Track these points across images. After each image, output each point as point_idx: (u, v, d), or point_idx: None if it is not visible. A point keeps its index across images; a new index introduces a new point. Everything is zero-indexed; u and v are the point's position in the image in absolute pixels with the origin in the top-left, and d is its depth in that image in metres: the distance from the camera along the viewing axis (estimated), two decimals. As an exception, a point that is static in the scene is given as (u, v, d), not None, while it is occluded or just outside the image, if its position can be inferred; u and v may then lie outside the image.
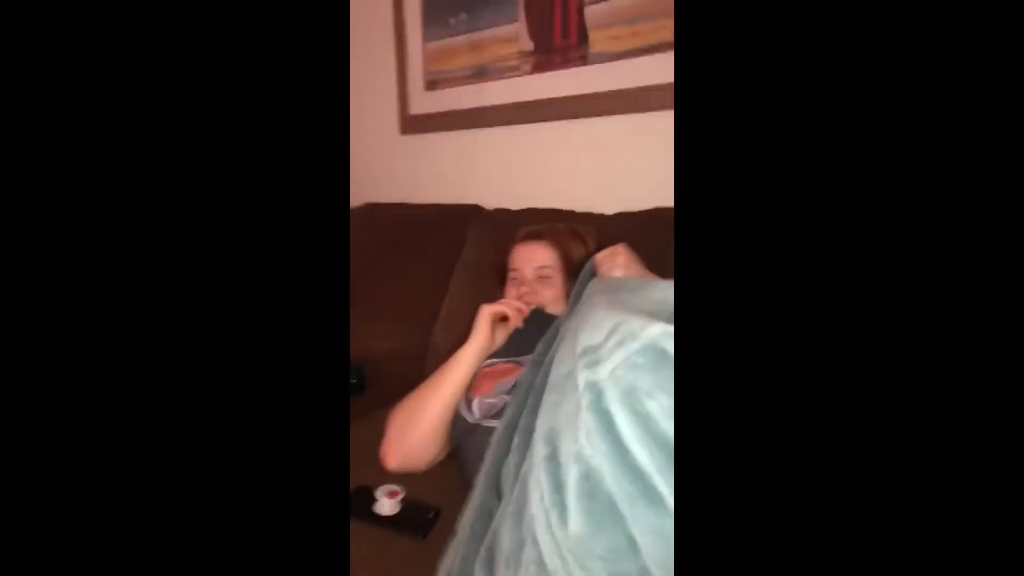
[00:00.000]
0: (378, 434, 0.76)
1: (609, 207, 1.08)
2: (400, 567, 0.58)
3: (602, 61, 1.13)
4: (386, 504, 0.64)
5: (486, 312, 0.77)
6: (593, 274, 0.73)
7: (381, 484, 0.66)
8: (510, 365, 0.75)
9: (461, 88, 1.37)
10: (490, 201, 1.31)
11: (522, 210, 1.19)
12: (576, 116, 1.19)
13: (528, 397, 0.56)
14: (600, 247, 0.92)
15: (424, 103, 1.46)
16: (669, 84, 1.03)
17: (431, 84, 1.43)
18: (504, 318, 0.78)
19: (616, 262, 0.72)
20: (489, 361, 0.77)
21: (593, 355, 0.43)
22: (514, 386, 0.63)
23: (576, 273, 0.86)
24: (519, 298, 0.83)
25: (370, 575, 0.57)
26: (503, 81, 1.29)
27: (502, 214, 1.22)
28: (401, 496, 0.65)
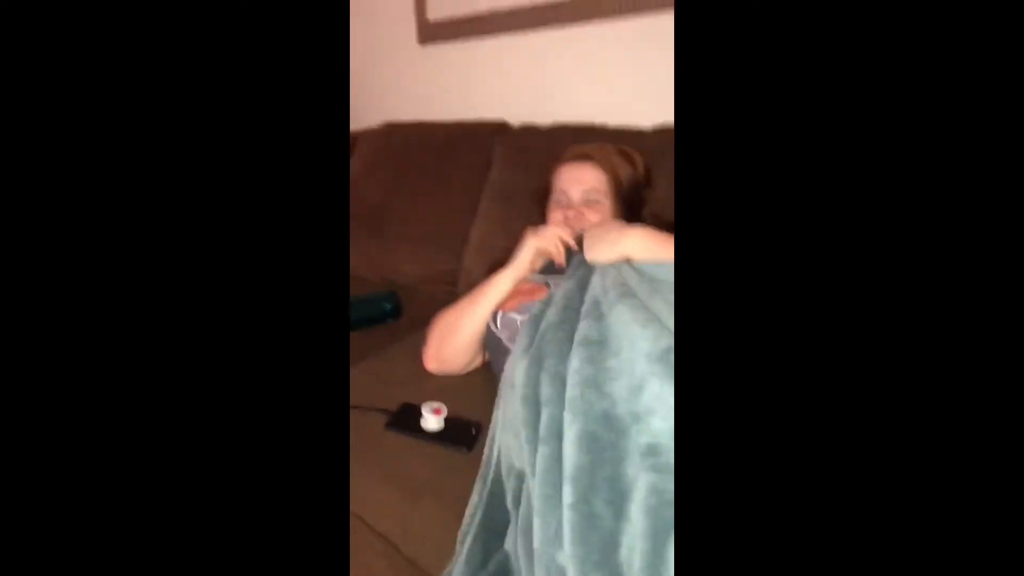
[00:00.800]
0: (415, 357, 0.82)
1: (648, 120, 1.01)
2: (448, 477, 0.61)
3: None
4: (432, 420, 0.66)
5: (532, 245, 0.76)
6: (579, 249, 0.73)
7: (424, 401, 0.69)
8: (536, 285, 0.77)
9: (484, -13, 1.25)
10: (516, 116, 1.24)
11: (551, 127, 1.13)
12: (609, 15, 1.08)
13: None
14: (648, 169, 0.87)
15: (442, 6, 1.34)
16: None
17: (450, -16, 1.31)
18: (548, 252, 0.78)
19: (592, 248, 0.70)
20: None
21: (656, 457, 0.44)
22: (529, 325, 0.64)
23: (626, 197, 0.83)
24: (564, 221, 0.81)
25: (423, 485, 0.60)
26: (530, -22, 1.17)
27: (530, 132, 1.16)
28: (444, 413, 0.67)
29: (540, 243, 0.76)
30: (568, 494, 0.43)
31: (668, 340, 0.49)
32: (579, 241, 0.76)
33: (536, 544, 0.43)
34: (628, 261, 0.66)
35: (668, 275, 0.62)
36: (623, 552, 0.40)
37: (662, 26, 1.03)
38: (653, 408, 0.46)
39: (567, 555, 0.41)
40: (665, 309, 0.55)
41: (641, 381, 0.48)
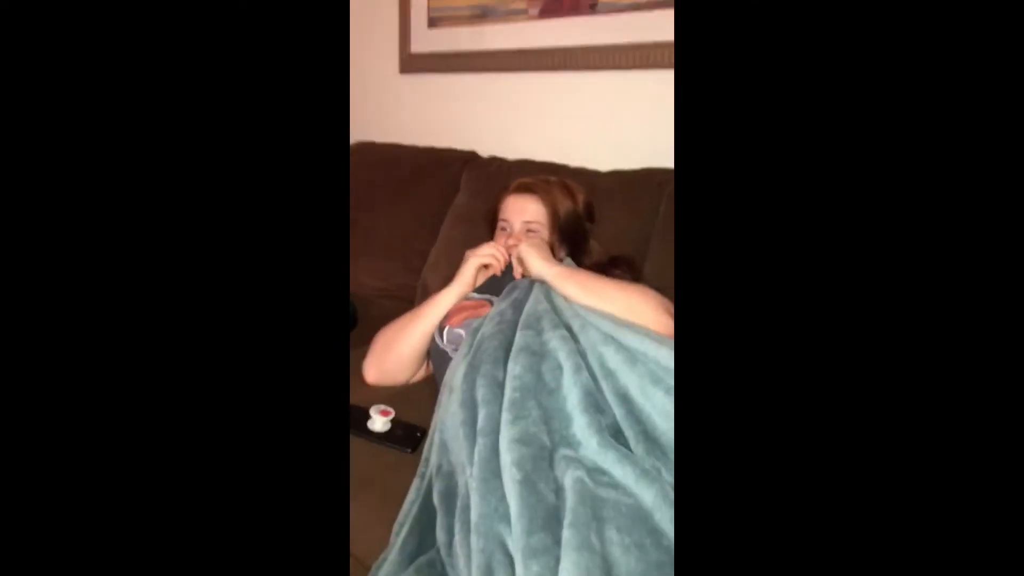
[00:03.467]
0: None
1: (603, 163, 1.11)
2: (392, 472, 0.64)
3: (612, 12, 1.12)
4: (379, 421, 0.70)
5: (472, 261, 0.84)
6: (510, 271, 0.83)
7: (373, 404, 0.72)
8: (481, 301, 0.83)
9: (465, 28, 1.35)
10: (486, 148, 1.32)
11: (517, 160, 1.21)
12: (580, 68, 1.19)
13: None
14: (588, 204, 0.96)
15: (426, 41, 1.43)
16: (672, 42, 1.04)
17: (434, 22, 1.40)
18: (486, 265, 0.85)
19: (531, 255, 0.79)
20: (467, 296, 0.84)
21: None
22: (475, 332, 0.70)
23: (563, 227, 0.90)
24: (507, 249, 0.88)
25: (365, 480, 0.63)
26: (509, 24, 1.27)
27: (497, 163, 1.23)
28: (392, 415, 0.71)
29: (479, 258, 0.83)
30: (515, 472, 0.48)
31: (590, 385, 0.57)
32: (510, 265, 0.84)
33: (475, 518, 0.47)
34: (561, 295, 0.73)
35: (597, 320, 0.68)
36: (566, 522, 0.45)
37: (626, 81, 1.14)
38: (579, 440, 0.53)
39: (513, 521, 0.45)
40: (594, 344, 0.62)
41: (571, 415, 0.55)
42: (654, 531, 0.45)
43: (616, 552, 0.43)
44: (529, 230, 0.90)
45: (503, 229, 0.92)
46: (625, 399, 0.58)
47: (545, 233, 0.89)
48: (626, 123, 1.17)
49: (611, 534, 0.44)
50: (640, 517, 0.46)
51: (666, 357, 0.58)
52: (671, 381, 0.56)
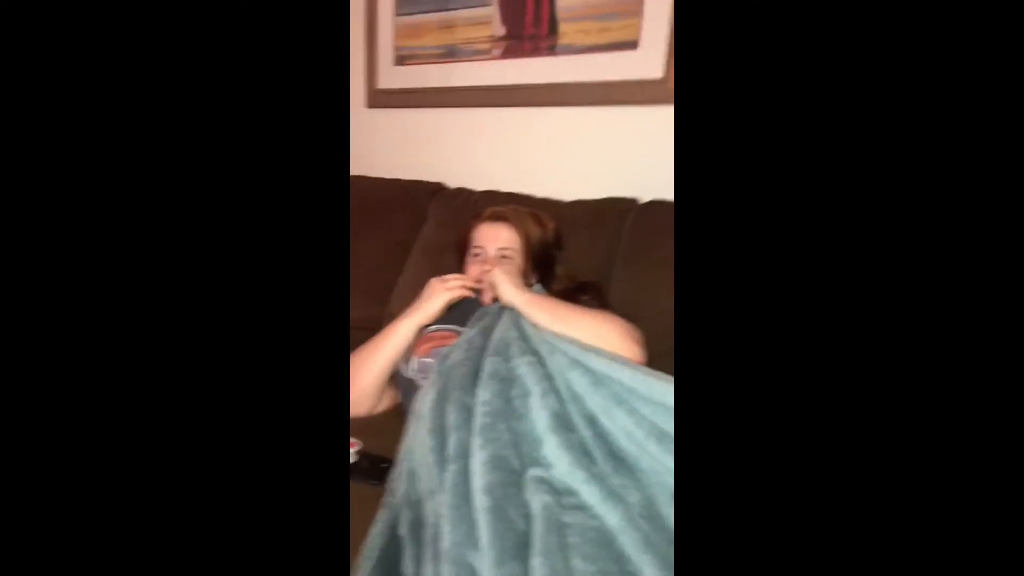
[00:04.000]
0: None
1: (566, 194, 1.14)
2: (356, 505, 0.62)
3: (570, 53, 1.18)
4: (344, 453, 0.68)
5: (443, 296, 0.84)
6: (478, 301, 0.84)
7: (338, 436, 0.70)
8: (449, 332, 0.83)
9: (430, 67, 1.39)
10: (452, 180, 1.34)
11: (483, 192, 1.24)
12: (541, 104, 1.24)
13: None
14: (557, 231, 0.99)
15: (392, 78, 1.47)
16: (633, 81, 1.10)
17: (400, 60, 1.44)
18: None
19: (503, 281, 0.81)
20: (432, 328, 0.84)
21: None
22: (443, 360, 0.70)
23: (535, 254, 0.92)
24: (481, 275, 0.89)
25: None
26: (473, 63, 1.32)
27: (464, 194, 1.26)
28: (359, 447, 0.69)
29: (449, 294, 0.83)
30: (484, 501, 0.47)
31: (558, 408, 0.58)
32: (478, 291, 0.84)
33: (446, 546, 0.46)
34: (530, 323, 0.74)
35: (564, 345, 0.69)
36: (535, 550, 0.44)
37: (586, 116, 1.20)
38: (550, 461, 0.53)
39: (484, 550, 0.44)
40: (561, 369, 0.63)
41: (541, 437, 0.55)
42: (619, 557, 0.45)
43: None
44: (503, 256, 0.91)
45: (476, 255, 0.94)
46: (592, 421, 0.58)
47: (519, 259, 0.91)
48: (586, 155, 1.22)
49: (576, 562, 0.44)
50: (605, 542, 0.46)
51: (629, 378, 0.59)
52: (634, 402, 0.57)
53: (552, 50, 1.20)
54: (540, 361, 0.65)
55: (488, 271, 0.89)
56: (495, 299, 0.82)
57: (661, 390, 0.55)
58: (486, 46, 1.30)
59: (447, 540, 0.47)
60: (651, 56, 1.07)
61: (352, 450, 0.68)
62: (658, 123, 1.10)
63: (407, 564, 0.52)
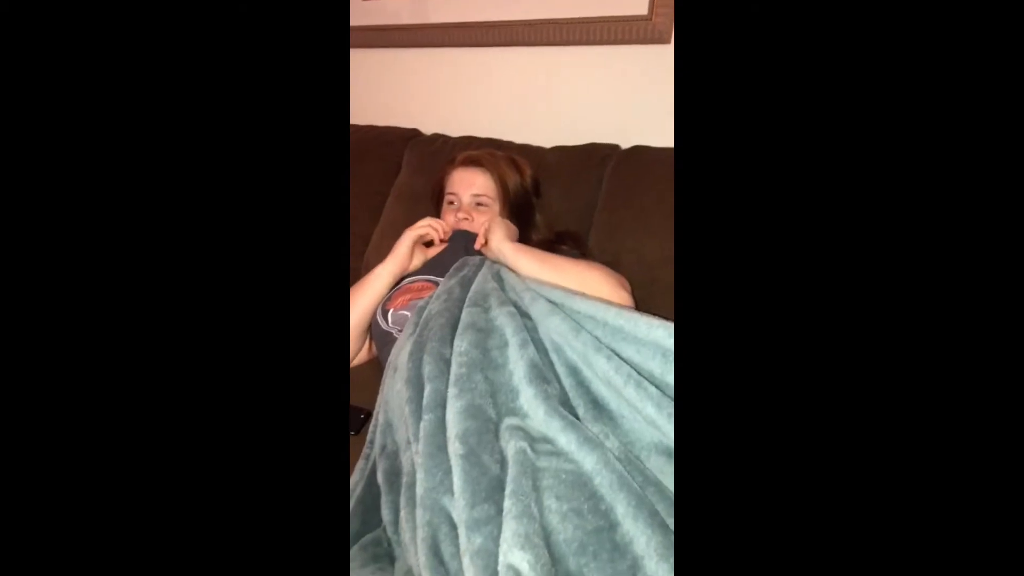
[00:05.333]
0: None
1: (547, 140, 1.10)
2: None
3: (551, -13, 1.11)
4: (318, 405, 0.67)
5: (408, 236, 0.81)
6: (470, 247, 0.82)
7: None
8: (426, 283, 0.81)
9: (401, 1, 1.30)
10: (428, 126, 1.28)
11: (460, 137, 1.19)
12: (521, 43, 1.17)
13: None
14: (535, 178, 0.96)
15: (360, 15, 1.37)
16: (616, 17, 1.04)
17: (369, -7, 1.34)
18: (428, 242, 0.82)
19: (498, 229, 0.79)
20: (409, 279, 0.81)
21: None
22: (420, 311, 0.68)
23: (512, 201, 0.89)
24: (457, 223, 0.86)
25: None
26: (447, -2, 1.23)
27: (440, 140, 1.20)
28: (333, 398, 0.68)
29: (415, 231, 0.81)
30: (458, 447, 0.47)
31: (536, 359, 0.57)
32: (463, 232, 0.81)
33: (421, 492, 0.46)
34: (511, 271, 0.73)
35: (547, 291, 0.68)
36: (507, 492, 0.44)
37: (571, 56, 1.14)
38: (526, 412, 0.53)
39: (457, 494, 0.44)
40: (543, 317, 0.62)
41: (517, 387, 0.54)
42: (592, 496, 0.45)
43: (554, 520, 0.43)
44: (479, 203, 0.88)
45: (451, 203, 0.90)
46: (574, 370, 0.58)
47: (495, 206, 0.88)
48: (568, 99, 1.17)
49: (550, 502, 0.44)
50: (579, 483, 0.46)
51: (614, 317, 0.58)
52: (616, 344, 0.57)
53: (532, -18, 1.13)
54: (519, 312, 0.64)
55: (465, 218, 0.87)
56: (483, 246, 0.79)
57: (646, 327, 0.54)
58: (462, -23, 1.21)
59: (422, 487, 0.47)
60: (637, -10, 1.01)
61: (327, 402, 0.68)
62: (643, 63, 1.05)
63: (384, 511, 0.52)
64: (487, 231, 0.79)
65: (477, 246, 0.80)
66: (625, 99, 1.10)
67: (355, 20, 1.37)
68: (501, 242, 0.75)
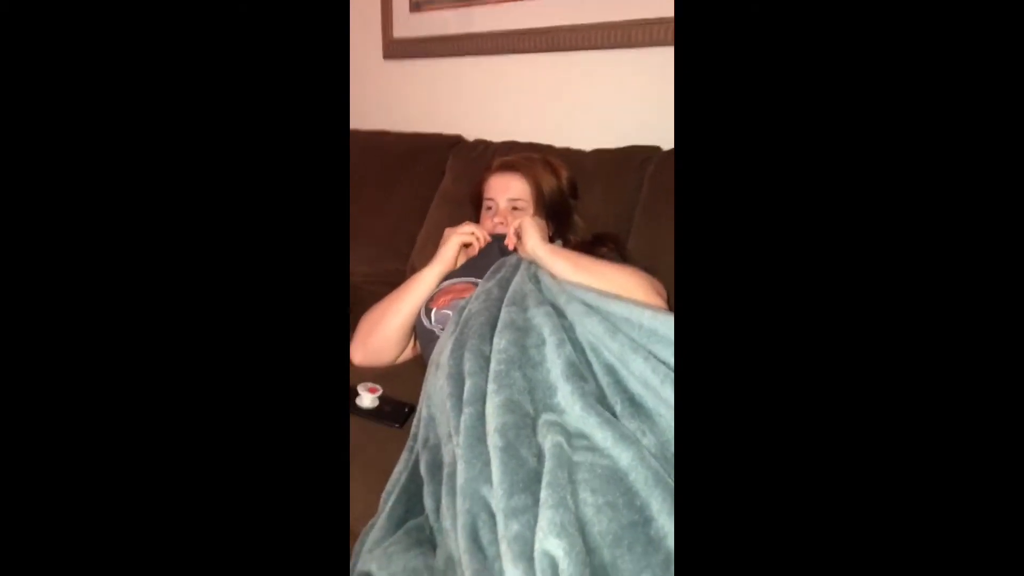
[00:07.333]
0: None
1: (587, 143, 1.11)
2: (380, 446, 0.65)
3: (591, -8, 1.12)
4: (367, 398, 0.71)
5: (453, 240, 0.84)
6: (506, 250, 0.83)
7: (360, 383, 0.73)
8: (467, 284, 0.83)
9: (447, 12, 1.34)
10: (472, 132, 1.32)
11: (502, 143, 1.21)
12: (563, 48, 1.19)
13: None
14: (571, 180, 0.97)
15: (408, 26, 1.42)
16: (656, 19, 1.04)
17: (416, 6, 1.39)
18: (467, 244, 0.86)
19: (531, 231, 0.79)
20: (451, 280, 0.84)
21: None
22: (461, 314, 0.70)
23: (548, 204, 0.91)
24: (493, 228, 0.88)
25: (353, 452, 0.64)
26: (492, 7, 1.27)
27: (483, 146, 1.24)
28: (379, 392, 0.72)
29: (460, 236, 0.84)
30: (497, 439, 0.49)
31: (573, 357, 0.58)
32: (500, 236, 0.84)
33: (461, 482, 0.49)
34: (549, 274, 0.74)
35: (582, 293, 0.69)
36: (543, 483, 0.46)
37: (609, 60, 1.15)
38: (563, 408, 0.54)
39: (496, 484, 0.46)
40: (579, 317, 0.63)
41: (555, 385, 0.56)
42: (627, 491, 0.46)
43: (589, 512, 0.44)
44: (515, 207, 0.90)
45: (488, 208, 0.93)
46: (611, 370, 0.59)
47: (531, 210, 0.90)
48: (609, 102, 1.17)
49: (585, 495, 0.45)
50: (615, 478, 0.47)
51: (649, 320, 0.59)
52: (652, 346, 0.57)
53: (574, -11, 1.14)
54: (557, 311, 0.66)
55: (501, 223, 0.89)
56: (517, 248, 0.81)
57: None
58: (504, -13, 1.24)
59: (462, 476, 0.49)
60: (678, -8, 1.01)
61: (373, 395, 0.71)
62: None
63: (427, 499, 0.55)
64: (518, 230, 0.80)
65: (508, 244, 0.82)
66: (668, 100, 1.09)
67: (404, 32, 1.43)
68: (536, 246, 0.77)
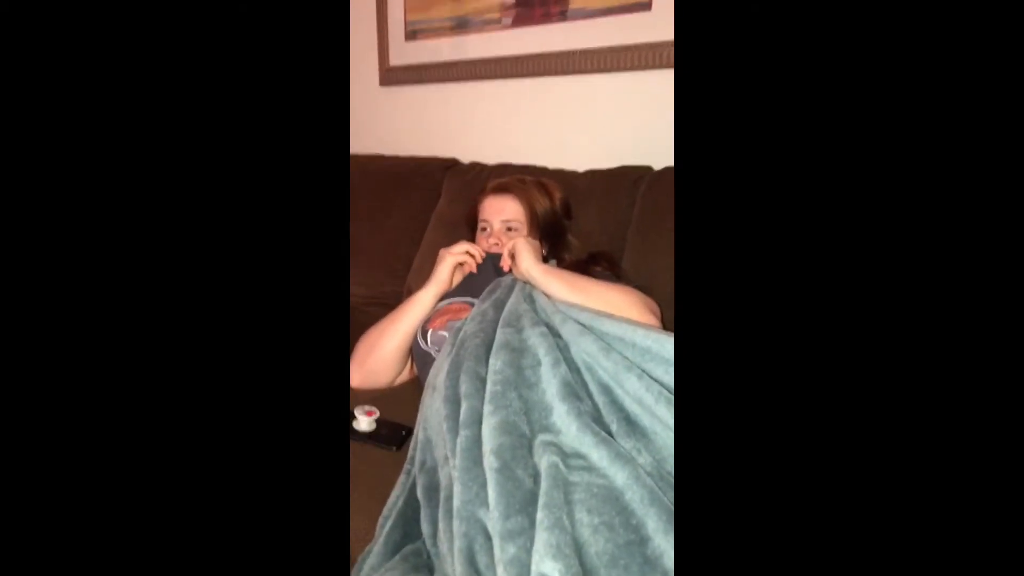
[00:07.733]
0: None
1: (580, 164, 1.13)
2: (377, 469, 0.65)
3: (581, 17, 1.15)
4: (363, 421, 0.70)
5: (448, 260, 0.85)
6: (501, 269, 0.84)
7: (357, 406, 0.73)
8: (463, 304, 0.84)
9: (442, 40, 1.38)
10: (466, 155, 1.34)
11: (496, 165, 1.23)
12: (554, 73, 1.22)
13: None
14: (565, 201, 0.98)
15: (404, 54, 1.46)
16: (645, 44, 1.07)
17: (411, 34, 1.43)
18: (462, 264, 0.87)
19: (524, 251, 0.80)
20: (447, 301, 0.85)
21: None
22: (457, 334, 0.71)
23: (542, 225, 0.92)
24: (488, 248, 0.90)
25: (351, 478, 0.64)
26: (484, 34, 1.30)
27: (477, 168, 1.26)
28: (376, 415, 0.72)
29: (454, 256, 0.85)
30: (493, 461, 0.49)
31: (569, 377, 0.58)
32: (496, 256, 0.84)
33: (457, 504, 0.48)
34: (544, 294, 0.75)
35: (576, 313, 0.69)
36: (539, 504, 0.46)
37: (599, 83, 1.17)
38: (559, 428, 0.54)
39: (492, 506, 0.46)
40: (574, 337, 0.64)
41: (551, 405, 0.56)
42: (624, 510, 0.46)
43: (586, 533, 0.44)
44: (509, 228, 0.91)
45: (483, 230, 0.94)
46: (606, 389, 0.59)
47: (524, 231, 0.91)
48: (600, 124, 1.20)
49: (581, 516, 0.45)
50: (611, 498, 0.47)
51: (642, 338, 0.59)
52: (646, 364, 0.58)
53: (563, 15, 1.17)
54: (551, 331, 0.66)
55: (496, 244, 0.90)
56: (511, 268, 0.82)
57: (674, 347, 0.55)
58: (496, 15, 1.27)
59: (458, 499, 0.49)
60: (664, 17, 1.04)
61: (371, 418, 0.71)
62: (673, 87, 1.07)
63: (424, 524, 0.55)
64: (511, 250, 0.81)
65: (502, 265, 0.83)
66: (658, 122, 1.12)
67: (398, 59, 1.47)
68: (531, 267, 0.78)
